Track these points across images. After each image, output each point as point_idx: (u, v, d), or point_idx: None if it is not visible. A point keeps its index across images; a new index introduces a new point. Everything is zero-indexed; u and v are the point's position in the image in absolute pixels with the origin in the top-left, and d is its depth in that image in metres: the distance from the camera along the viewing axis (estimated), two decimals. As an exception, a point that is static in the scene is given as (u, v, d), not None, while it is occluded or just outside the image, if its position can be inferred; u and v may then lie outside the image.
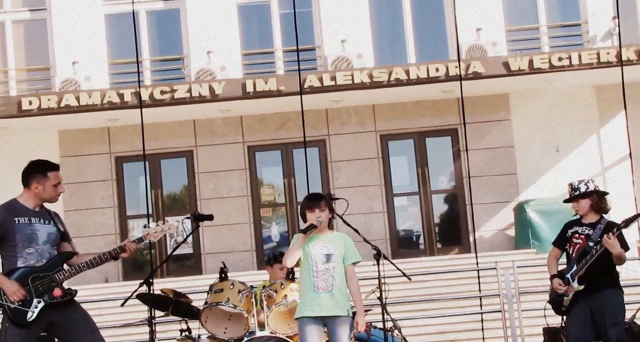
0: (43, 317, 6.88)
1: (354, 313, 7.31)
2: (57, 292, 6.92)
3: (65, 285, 7.05)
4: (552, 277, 8.37)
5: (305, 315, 7.13)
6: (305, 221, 7.29)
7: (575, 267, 8.20)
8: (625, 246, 8.12)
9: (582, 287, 8.13)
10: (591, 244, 8.13)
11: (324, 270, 7.16)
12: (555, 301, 8.37)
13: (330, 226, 7.45)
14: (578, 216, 8.42)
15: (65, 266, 7.04)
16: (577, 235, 8.31)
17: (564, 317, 8.42)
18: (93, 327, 7.04)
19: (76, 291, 7.07)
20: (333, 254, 7.20)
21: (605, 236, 7.98)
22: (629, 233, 8.32)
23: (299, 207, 7.49)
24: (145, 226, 7.37)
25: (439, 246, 20.35)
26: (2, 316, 6.96)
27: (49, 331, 7.15)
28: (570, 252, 8.34)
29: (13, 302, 6.79)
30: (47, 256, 6.99)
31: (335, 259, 7.20)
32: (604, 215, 8.35)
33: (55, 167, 7.17)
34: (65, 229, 7.27)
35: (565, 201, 8.50)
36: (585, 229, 8.27)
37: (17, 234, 6.92)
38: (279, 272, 9.19)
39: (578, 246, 8.26)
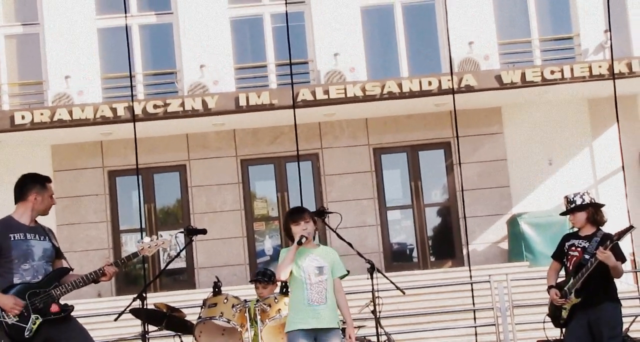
0: (40, 333, 6.85)
1: (343, 329, 7.30)
2: (54, 308, 6.90)
3: (62, 301, 7.03)
4: (549, 287, 8.38)
5: (298, 328, 7.10)
6: (289, 235, 7.27)
7: (572, 280, 8.21)
8: (621, 258, 8.12)
9: (579, 299, 8.13)
10: (587, 256, 8.13)
11: (317, 282, 7.15)
12: (554, 314, 8.37)
13: (314, 239, 7.43)
14: (576, 229, 8.42)
15: (62, 282, 7.01)
16: (573, 248, 8.31)
17: (563, 330, 8.42)
18: None
19: (73, 307, 7.05)
20: (324, 267, 7.20)
21: (599, 249, 7.98)
22: (623, 246, 8.31)
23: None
24: (139, 241, 7.36)
25: (432, 259, 20.34)
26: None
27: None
28: (568, 265, 8.35)
29: (11, 317, 6.76)
30: (43, 272, 6.97)
31: (327, 272, 7.20)
32: (600, 227, 8.35)
33: (49, 179, 7.26)
34: (59, 246, 7.26)
35: (562, 214, 8.50)
36: (582, 241, 8.28)
37: (13, 250, 6.90)
38: (258, 292, 9.17)
39: (574, 258, 8.26)
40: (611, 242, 7.98)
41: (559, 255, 8.46)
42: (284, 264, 7.16)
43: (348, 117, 20.02)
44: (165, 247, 7.30)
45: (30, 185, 7.10)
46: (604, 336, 8.03)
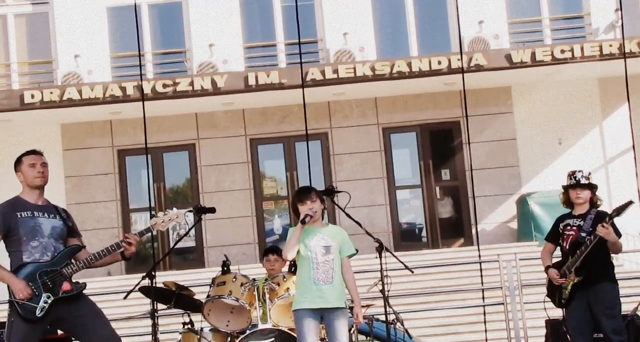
0: (51, 312, 6.85)
1: (351, 308, 7.33)
2: (66, 286, 6.89)
3: (74, 279, 7.04)
4: (547, 268, 8.43)
5: (304, 307, 7.13)
6: (297, 215, 7.29)
7: (570, 259, 8.24)
8: (618, 234, 8.16)
9: (580, 278, 8.16)
10: (583, 234, 8.18)
11: (324, 262, 7.17)
12: (555, 293, 8.40)
13: (322, 218, 7.44)
14: (569, 210, 8.47)
15: (73, 260, 7.03)
16: (569, 227, 8.37)
17: (564, 310, 8.45)
18: (103, 320, 7.00)
19: (85, 285, 7.04)
20: (331, 246, 7.21)
21: (599, 225, 8.01)
22: (632, 225, 8.33)
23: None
24: (152, 216, 7.34)
25: (441, 238, 20.34)
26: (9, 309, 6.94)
27: (56, 325, 7.14)
28: (564, 245, 8.39)
29: (21, 299, 6.78)
30: (52, 249, 6.96)
31: (334, 251, 7.21)
32: (594, 208, 8.39)
33: (29, 152, 7.14)
34: (74, 225, 7.24)
35: (571, 187, 8.38)
36: (577, 220, 8.33)
37: (20, 227, 6.91)
38: (267, 265, 9.23)
39: (571, 237, 8.31)
40: (610, 218, 8.02)
41: (554, 236, 8.52)
42: (290, 244, 7.19)
43: (357, 97, 19.99)
44: (179, 221, 7.28)
45: (14, 168, 7.13)
46: (603, 315, 8.08)
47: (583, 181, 8.31)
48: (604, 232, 7.98)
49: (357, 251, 7.50)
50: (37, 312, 6.80)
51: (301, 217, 7.17)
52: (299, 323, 7.13)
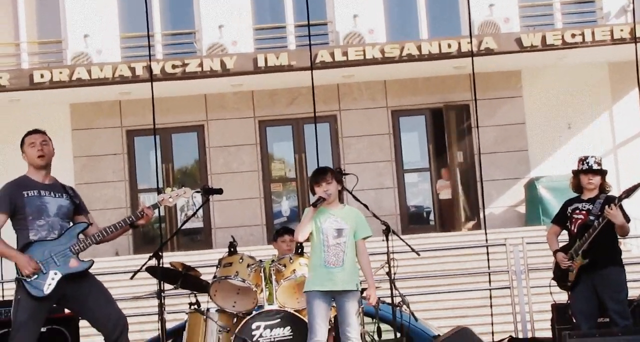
0: (57, 289, 6.87)
1: (363, 289, 7.34)
2: (73, 263, 6.92)
3: (81, 256, 7.06)
4: (555, 251, 8.44)
5: (314, 289, 7.15)
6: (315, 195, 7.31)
7: (577, 242, 8.25)
8: (626, 218, 8.16)
9: (586, 261, 8.17)
10: (592, 218, 8.19)
11: (335, 244, 7.17)
12: (561, 277, 8.41)
13: (340, 200, 7.44)
14: (577, 194, 8.48)
15: (81, 236, 7.05)
16: (577, 211, 8.38)
17: (569, 293, 8.47)
18: (108, 298, 7.03)
19: (92, 261, 7.06)
20: (344, 229, 7.21)
21: (607, 207, 8.02)
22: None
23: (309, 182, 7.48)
24: (159, 192, 7.37)
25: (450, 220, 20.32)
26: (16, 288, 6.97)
27: (62, 303, 7.16)
28: (572, 228, 8.39)
29: (28, 275, 6.80)
30: (59, 227, 6.99)
31: (347, 234, 7.20)
32: (603, 193, 8.41)
33: (30, 132, 7.16)
34: (81, 202, 7.28)
35: (583, 172, 8.38)
36: (585, 204, 8.34)
37: (26, 207, 6.94)
38: (283, 246, 9.21)
39: (579, 221, 8.32)
40: (619, 200, 8.03)
41: (561, 219, 8.53)
42: (301, 226, 7.20)
43: (366, 79, 19.96)
44: (186, 196, 7.30)
45: (21, 148, 7.14)
46: (609, 300, 8.10)
47: (595, 167, 8.32)
48: (612, 214, 7.99)
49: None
50: (45, 289, 6.82)
51: (313, 199, 7.17)
52: (309, 305, 7.18)
